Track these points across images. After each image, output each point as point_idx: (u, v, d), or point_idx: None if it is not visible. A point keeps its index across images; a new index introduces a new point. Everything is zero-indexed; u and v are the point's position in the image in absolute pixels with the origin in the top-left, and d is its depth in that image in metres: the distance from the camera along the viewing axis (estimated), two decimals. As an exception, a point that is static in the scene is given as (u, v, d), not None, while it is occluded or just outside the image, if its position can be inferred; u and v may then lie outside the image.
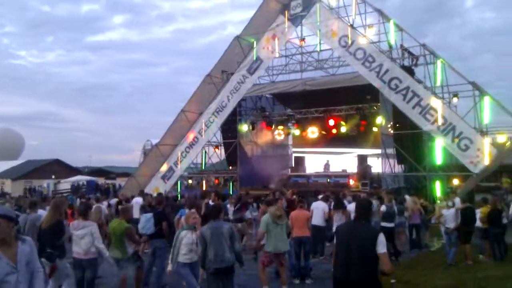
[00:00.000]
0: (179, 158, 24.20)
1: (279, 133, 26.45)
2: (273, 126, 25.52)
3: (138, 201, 13.85)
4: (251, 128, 25.29)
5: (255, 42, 22.43)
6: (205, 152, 25.55)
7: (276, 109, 26.74)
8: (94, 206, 11.02)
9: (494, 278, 8.38)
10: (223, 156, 26.51)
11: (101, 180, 43.73)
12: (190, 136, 24.11)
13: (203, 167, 26.02)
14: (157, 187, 23.56)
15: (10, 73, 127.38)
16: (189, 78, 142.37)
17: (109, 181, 44.69)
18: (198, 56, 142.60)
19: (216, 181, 25.52)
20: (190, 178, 26.35)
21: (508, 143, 17.17)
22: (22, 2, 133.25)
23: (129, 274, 7.90)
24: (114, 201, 15.06)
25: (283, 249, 8.28)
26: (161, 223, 8.81)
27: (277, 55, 22.34)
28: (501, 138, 17.18)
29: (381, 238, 4.37)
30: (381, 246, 4.33)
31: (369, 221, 4.87)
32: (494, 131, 17.48)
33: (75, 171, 50.43)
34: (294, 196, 13.60)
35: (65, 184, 40.94)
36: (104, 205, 14.01)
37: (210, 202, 11.91)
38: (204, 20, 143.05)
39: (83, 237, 6.97)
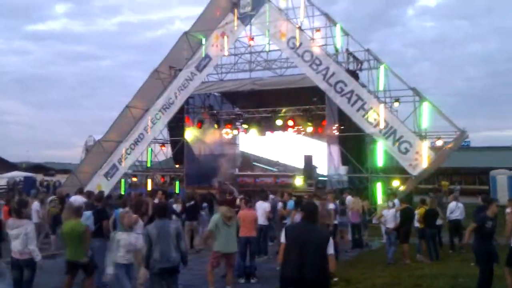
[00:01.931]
0: (123, 155, 23.54)
1: (227, 132, 26.38)
2: (221, 125, 25.38)
3: (77, 200, 13.18)
4: (198, 126, 25.05)
5: (203, 39, 22.21)
6: (151, 149, 25.02)
7: (224, 108, 26.59)
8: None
9: (430, 276, 8.77)
10: (169, 154, 26.06)
11: (39, 177, 41.71)
12: (135, 133, 23.54)
13: (149, 165, 25.48)
14: (99, 184, 22.80)
15: None
16: (135, 72, 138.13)
17: (48, 178, 42.73)
18: (145, 50, 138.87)
19: (162, 179, 25.04)
20: (135, 176, 25.68)
21: (445, 147, 18.04)
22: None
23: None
24: (49, 199, 14.29)
25: (233, 249, 8.24)
26: (101, 221, 8.55)
27: (226, 53, 22.22)
28: (439, 143, 18.01)
29: (331, 240, 4.86)
30: (331, 247, 4.78)
31: (317, 223, 5.23)
32: (432, 136, 18.31)
33: (12, 166, 47.92)
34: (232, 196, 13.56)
35: (1, 180, 38.71)
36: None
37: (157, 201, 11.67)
38: (151, 14, 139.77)
39: (18, 237, 6.66)
